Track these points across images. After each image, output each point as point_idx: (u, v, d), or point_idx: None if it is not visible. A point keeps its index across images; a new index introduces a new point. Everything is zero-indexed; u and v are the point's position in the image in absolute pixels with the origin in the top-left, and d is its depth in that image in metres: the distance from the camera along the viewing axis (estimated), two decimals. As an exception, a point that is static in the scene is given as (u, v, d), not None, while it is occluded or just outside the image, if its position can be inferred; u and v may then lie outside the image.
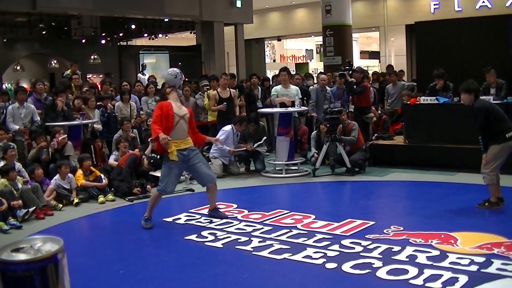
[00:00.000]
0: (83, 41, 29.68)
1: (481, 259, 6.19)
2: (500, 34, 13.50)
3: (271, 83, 16.81)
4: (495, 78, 12.20)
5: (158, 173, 11.04)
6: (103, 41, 30.99)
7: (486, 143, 8.20)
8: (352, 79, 13.37)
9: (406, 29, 28.91)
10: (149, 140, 11.43)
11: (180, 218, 8.69)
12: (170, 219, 8.65)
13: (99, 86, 16.03)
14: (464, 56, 13.85)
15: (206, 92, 14.03)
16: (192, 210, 9.11)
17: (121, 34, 31.49)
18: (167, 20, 27.55)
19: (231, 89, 13.98)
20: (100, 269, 6.65)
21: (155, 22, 28.45)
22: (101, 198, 10.15)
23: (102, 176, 10.62)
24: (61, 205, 9.77)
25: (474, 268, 5.96)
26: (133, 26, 28.90)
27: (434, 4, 27.81)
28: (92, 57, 28.80)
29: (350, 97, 13.93)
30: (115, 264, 6.76)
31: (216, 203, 8.81)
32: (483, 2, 26.17)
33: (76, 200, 10.01)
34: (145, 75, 23.04)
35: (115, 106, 13.18)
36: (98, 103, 13.00)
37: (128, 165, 10.65)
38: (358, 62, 31.69)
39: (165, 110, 8.05)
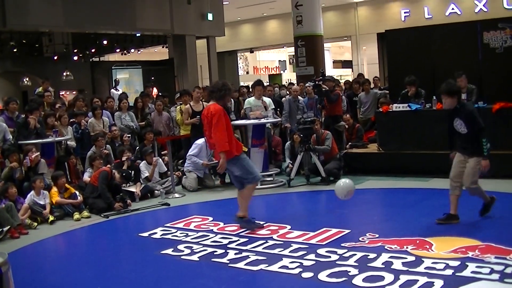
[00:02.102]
0: (55, 58, 29.57)
1: (456, 263, 6.24)
2: (469, 40, 13.61)
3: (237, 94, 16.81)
4: (466, 83, 12.28)
5: (132, 188, 11.04)
6: (75, 58, 30.90)
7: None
8: (325, 87, 13.42)
9: (378, 38, 29.11)
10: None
11: (156, 233, 8.64)
12: (146, 234, 8.60)
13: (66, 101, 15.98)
14: (435, 62, 13.96)
15: (178, 107, 14.01)
16: (168, 224, 9.07)
17: (93, 50, 31.42)
18: (139, 34, 27.51)
19: (204, 102, 13.96)
20: (78, 287, 6.60)
21: (127, 37, 28.45)
22: (76, 215, 10.07)
23: (77, 193, 10.55)
24: (36, 224, 9.69)
25: (449, 272, 6.01)
26: (105, 42, 28.87)
27: (405, 12, 28.07)
28: (64, 73, 28.67)
29: (319, 106, 13.87)
30: (92, 281, 6.72)
31: (193, 216, 8.83)
32: (453, 9, 26.48)
33: (51, 218, 9.92)
34: (118, 90, 22.96)
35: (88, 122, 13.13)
36: (71, 120, 12.94)
37: (102, 182, 10.57)
38: (331, 71, 31.78)
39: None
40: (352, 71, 31.92)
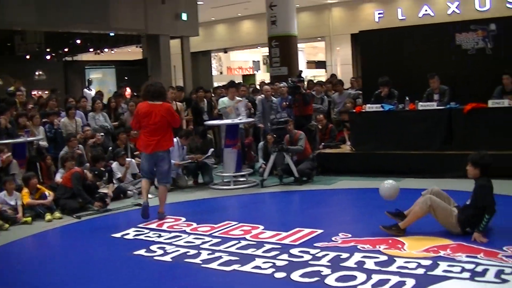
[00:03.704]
0: (28, 57, 29.34)
1: (427, 262, 6.28)
2: (442, 41, 13.69)
3: (212, 95, 16.80)
4: (438, 84, 12.37)
5: (105, 190, 10.97)
6: (48, 57, 30.69)
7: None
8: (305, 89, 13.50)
9: (351, 38, 29.23)
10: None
11: (128, 234, 8.58)
12: (118, 235, 8.54)
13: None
14: (408, 63, 14.02)
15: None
16: (140, 225, 9.02)
17: (66, 50, 31.21)
18: (112, 34, 27.40)
19: (177, 103, 13.95)
20: (49, 289, 6.54)
21: (101, 37, 28.34)
22: (48, 217, 9.94)
23: (47, 193, 10.43)
24: (7, 225, 9.56)
25: (421, 271, 6.04)
26: (78, 41, 28.70)
27: (378, 13, 28.22)
28: (37, 73, 28.46)
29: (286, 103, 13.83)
30: (65, 283, 6.64)
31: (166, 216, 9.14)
32: (426, 10, 26.68)
33: (25, 219, 9.77)
34: (91, 90, 22.82)
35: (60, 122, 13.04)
36: (43, 120, 12.85)
37: (76, 183, 10.45)
38: (305, 72, 31.83)
39: None
40: (326, 71, 32.01)
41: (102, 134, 13.45)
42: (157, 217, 9.36)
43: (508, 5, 24.54)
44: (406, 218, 7.60)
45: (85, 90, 23.19)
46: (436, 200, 7.42)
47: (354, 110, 12.99)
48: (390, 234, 7.56)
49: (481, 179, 7.32)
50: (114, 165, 11.90)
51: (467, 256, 6.40)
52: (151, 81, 11.03)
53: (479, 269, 5.99)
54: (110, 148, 12.99)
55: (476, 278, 5.73)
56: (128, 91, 21.76)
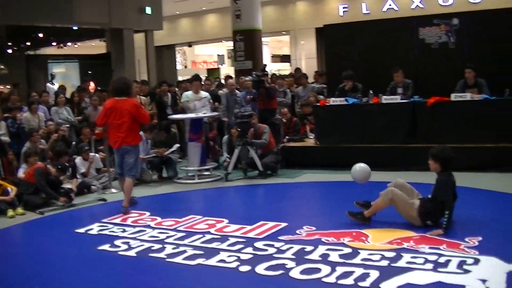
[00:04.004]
0: (-12, 51, 28.95)
1: (391, 254, 6.34)
2: (406, 35, 13.80)
3: (177, 89, 16.74)
4: (402, 78, 12.46)
5: (68, 185, 10.86)
6: (9, 51, 30.25)
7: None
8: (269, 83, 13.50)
9: (316, 32, 29.26)
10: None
11: (92, 229, 8.49)
12: (82, 230, 8.44)
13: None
14: (372, 57, 14.09)
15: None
16: (104, 220, 8.94)
17: (28, 43, 30.81)
18: (76, 28, 27.13)
19: (141, 97, 13.88)
20: (14, 286, 6.44)
21: (64, 31, 27.99)
22: (10, 213, 9.79)
23: (9, 188, 10.30)
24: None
25: (385, 263, 6.09)
26: (41, 35, 28.35)
27: (343, 8, 28.29)
28: (-2, 67, 28.13)
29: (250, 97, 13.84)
30: (28, 280, 6.54)
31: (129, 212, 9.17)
32: (390, 5, 26.82)
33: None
34: (54, 84, 22.62)
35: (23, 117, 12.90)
36: (5, 115, 12.69)
37: (40, 179, 10.33)
38: (269, 66, 31.83)
39: None
40: (290, 65, 32.03)
41: (67, 125, 13.35)
42: (121, 211, 9.33)
43: (470, 0, 24.75)
44: (370, 208, 7.72)
45: (48, 84, 23.01)
46: (397, 193, 7.48)
47: (318, 104, 13.01)
48: (355, 221, 7.69)
49: (442, 174, 7.39)
50: (78, 160, 11.79)
51: (430, 248, 6.47)
52: (118, 77, 11.17)
53: (442, 260, 6.06)
54: (74, 142, 12.87)
55: (439, 269, 5.79)
56: (92, 85, 21.59)
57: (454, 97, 11.50)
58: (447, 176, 7.33)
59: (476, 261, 5.98)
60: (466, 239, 6.70)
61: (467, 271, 5.70)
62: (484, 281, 5.40)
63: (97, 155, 12.20)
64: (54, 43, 31.52)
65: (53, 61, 30.95)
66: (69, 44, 31.86)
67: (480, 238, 6.74)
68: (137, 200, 10.06)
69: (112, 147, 9.98)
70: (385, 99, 12.08)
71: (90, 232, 8.38)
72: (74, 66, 31.09)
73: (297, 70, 19.76)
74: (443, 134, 11.18)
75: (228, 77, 18.15)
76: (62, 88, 17.82)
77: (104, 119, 9.74)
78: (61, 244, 7.97)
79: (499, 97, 11.27)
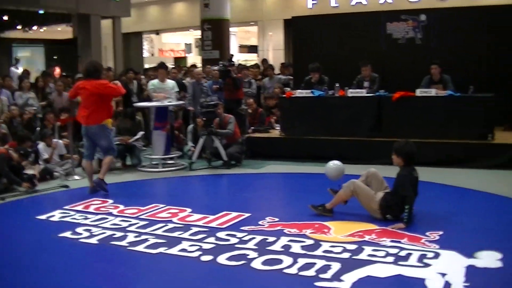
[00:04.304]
0: (-50, 34, 28.48)
1: (353, 247, 6.37)
2: (373, 30, 13.91)
3: (143, 77, 16.66)
4: (370, 72, 12.51)
5: (30, 170, 10.73)
6: (-29, 34, 29.83)
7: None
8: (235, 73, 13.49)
9: (284, 24, 29.23)
10: None
11: (54, 216, 8.39)
12: (43, 217, 8.33)
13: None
14: (340, 50, 14.18)
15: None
16: (66, 207, 8.83)
17: (-8, 26, 30.37)
18: (42, 12, 26.80)
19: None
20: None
21: (29, 14, 27.58)
22: (-31, 198, 9.71)
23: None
24: None
25: (346, 255, 6.12)
26: (5, 18, 27.92)
27: (312, 0, 28.26)
28: (-40, 51, 27.68)
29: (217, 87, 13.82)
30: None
31: (93, 198, 9.08)
32: (359, -1, 26.85)
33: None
34: (19, 69, 22.37)
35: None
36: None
37: (1, 164, 10.20)
38: (236, 56, 31.79)
39: None
40: (258, 56, 32.00)
41: (35, 107, 13.22)
42: (94, 183, 9.64)
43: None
44: (332, 200, 7.77)
45: (12, 68, 22.73)
46: (359, 186, 7.54)
47: (284, 95, 13.02)
48: (317, 213, 7.73)
49: (404, 169, 7.43)
50: (41, 145, 11.66)
51: (391, 241, 6.52)
52: (89, 60, 11.63)
53: (403, 253, 6.10)
54: (38, 128, 12.74)
55: (400, 262, 5.83)
56: (57, 70, 21.39)
57: (419, 92, 11.58)
58: (409, 171, 7.37)
59: (437, 255, 6.04)
60: (427, 233, 6.76)
61: (427, 265, 5.75)
62: (443, 274, 5.46)
63: (60, 141, 12.08)
64: (19, 27, 31.03)
65: (17, 45, 30.55)
66: (34, 28, 31.39)
67: (441, 233, 6.81)
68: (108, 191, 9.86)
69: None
70: (351, 92, 12.12)
71: (51, 219, 8.28)
72: (39, 51, 30.76)
73: (264, 61, 19.77)
74: (407, 128, 11.26)
75: (193, 66, 18.06)
76: (25, 73, 17.59)
77: (73, 93, 10.31)
78: (21, 230, 7.87)
79: (464, 94, 11.37)
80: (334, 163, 8.21)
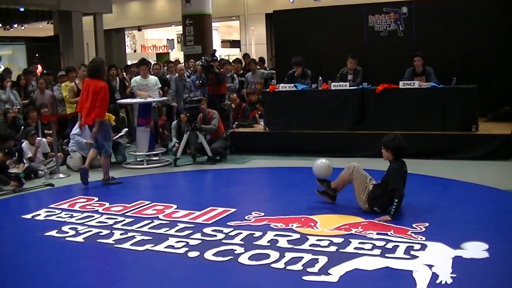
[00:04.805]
0: None
1: (339, 240, 6.38)
2: (355, 23, 13.93)
3: (124, 74, 16.60)
4: (355, 65, 12.51)
5: (15, 169, 10.68)
6: (-48, 32, 29.66)
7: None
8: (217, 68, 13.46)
9: (266, 18, 29.24)
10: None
11: (39, 214, 8.35)
12: (29, 216, 8.29)
13: None
14: (322, 44, 14.19)
15: (63, 85, 13.69)
16: (52, 206, 8.79)
17: (-28, 25, 30.21)
18: (22, 9, 26.65)
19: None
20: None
21: (10, 12, 27.45)
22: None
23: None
24: None
25: (333, 248, 6.13)
26: (-15, 16, 27.80)
27: (294, -6, 28.28)
28: None
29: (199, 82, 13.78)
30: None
31: (78, 196, 9.15)
32: (340, -9, 26.82)
33: None
34: (0, 67, 22.23)
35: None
36: None
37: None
38: (219, 51, 31.79)
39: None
40: (240, 51, 32.01)
41: (19, 106, 13.15)
42: (102, 184, 10.18)
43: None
44: (336, 180, 7.87)
45: (-7, 66, 22.60)
46: (358, 170, 7.61)
47: (267, 90, 13.01)
48: (322, 188, 7.96)
49: (394, 162, 7.44)
50: (24, 144, 11.60)
51: (378, 234, 6.53)
52: (95, 58, 12.09)
53: (390, 246, 6.12)
54: (21, 126, 12.66)
55: (387, 255, 5.84)
56: (39, 68, 21.26)
57: (402, 84, 11.60)
58: (399, 165, 7.40)
59: (423, 247, 6.05)
60: (414, 225, 6.79)
61: (414, 257, 5.76)
62: (430, 266, 5.47)
63: (43, 139, 12.03)
64: (-1, 25, 30.92)
65: (-1, 43, 30.40)
66: (15, 25, 31.22)
67: (427, 224, 6.84)
68: (121, 181, 10.44)
69: None
70: (334, 85, 12.13)
71: (37, 218, 8.24)
72: (21, 49, 30.55)
73: (246, 55, 19.76)
74: (391, 121, 11.30)
75: (177, 61, 18.03)
76: (6, 71, 17.47)
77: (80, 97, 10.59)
78: (7, 230, 7.83)
79: (446, 85, 11.40)
80: (322, 162, 8.20)
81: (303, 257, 5.87)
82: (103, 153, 10.28)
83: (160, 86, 13.17)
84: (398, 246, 6.10)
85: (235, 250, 6.22)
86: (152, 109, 12.53)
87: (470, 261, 5.64)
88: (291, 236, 6.62)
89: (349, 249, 6.09)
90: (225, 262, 5.92)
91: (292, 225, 7.02)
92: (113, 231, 7.26)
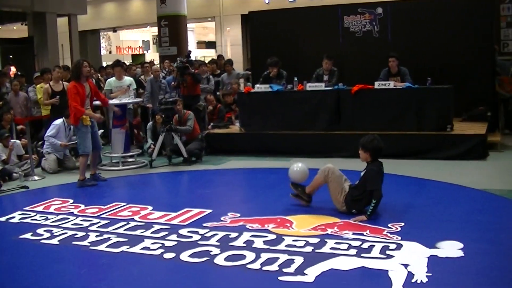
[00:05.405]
0: None
1: (315, 240, 6.37)
2: (331, 23, 13.97)
3: (99, 75, 16.53)
4: (331, 66, 12.53)
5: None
6: None
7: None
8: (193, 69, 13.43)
9: (242, 19, 29.26)
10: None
11: (14, 217, 8.27)
12: (3, 219, 8.22)
13: None
14: (298, 44, 14.23)
15: (37, 86, 13.60)
16: (26, 208, 8.72)
17: None
18: (-5, 10, 26.46)
19: (64, 82, 13.63)
20: None
21: (-17, 13, 27.27)
22: None
23: None
24: None
25: (309, 249, 6.12)
26: (-42, 17, 27.54)
27: (269, -6, 28.31)
28: None
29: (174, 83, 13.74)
30: None
31: (53, 198, 9.06)
32: (315, -8, 26.88)
33: None
34: (-27, 69, 22.03)
35: None
36: None
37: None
38: (195, 52, 31.74)
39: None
40: (216, 52, 31.98)
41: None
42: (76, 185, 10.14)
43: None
44: (310, 183, 7.81)
45: (-33, 69, 22.36)
46: (334, 172, 7.57)
47: (243, 91, 13.00)
48: (295, 192, 7.92)
49: (371, 164, 7.44)
50: (-2, 146, 11.53)
51: (354, 234, 6.54)
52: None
53: (365, 245, 6.12)
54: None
55: (363, 255, 5.85)
56: (13, 70, 21.11)
57: (377, 85, 11.65)
58: (378, 166, 7.41)
59: (399, 246, 6.07)
60: (389, 225, 6.81)
61: (390, 256, 5.78)
62: (406, 265, 5.49)
63: (18, 141, 11.93)
64: (-28, 26, 30.66)
65: (-29, 44, 30.11)
66: (-12, 27, 31.02)
67: (402, 224, 6.86)
68: (105, 178, 10.65)
69: None
70: (310, 86, 12.15)
71: (11, 220, 8.16)
72: (-6, 50, 30.33)
73: (220, 56, 19.73)
74: (366, 121, 11.35)
75: (152, 63, 17.97)
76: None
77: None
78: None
79: (422, 86, 11.46)
80: (298, 166, 8.18)
81: (279, 258, 5.86)
82: (80, 152, 10.27)
83: (136, 87, 13.12)
84: (374, 246, 6.11)
85: (211, 251, 6.20)
86: (127, 111, 12.47)
87: (445, 260, 5.66)
88: (267, 236, 6.61)
89: (325, 249, 6.08)
90: (201, 263, 5.89)
91: (268, 226, 7.01)
92: (88, 233, 7.20)
